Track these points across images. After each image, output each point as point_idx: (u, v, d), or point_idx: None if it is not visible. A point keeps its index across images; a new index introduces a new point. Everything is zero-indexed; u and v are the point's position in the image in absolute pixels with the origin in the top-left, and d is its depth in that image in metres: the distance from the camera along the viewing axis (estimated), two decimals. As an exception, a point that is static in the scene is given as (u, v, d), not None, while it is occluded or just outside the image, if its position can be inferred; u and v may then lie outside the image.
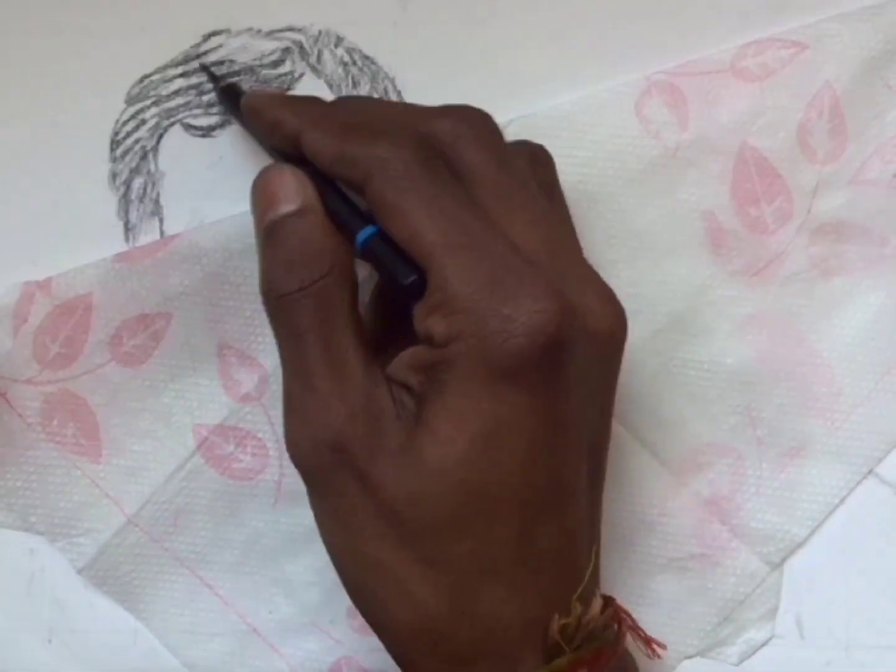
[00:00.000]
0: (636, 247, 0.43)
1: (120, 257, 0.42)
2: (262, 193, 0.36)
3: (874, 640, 0.44)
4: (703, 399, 0.43)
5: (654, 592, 0.44)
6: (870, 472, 0.44)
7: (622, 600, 0.38)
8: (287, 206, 0.35)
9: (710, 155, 0.42)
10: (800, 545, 0.44)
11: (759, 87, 0.42)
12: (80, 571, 0.43)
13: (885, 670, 0.44)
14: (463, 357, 0.32)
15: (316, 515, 0.36)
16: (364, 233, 0.35)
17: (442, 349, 0.33)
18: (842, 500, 0.44)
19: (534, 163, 0.37)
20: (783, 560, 0.44)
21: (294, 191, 0.36)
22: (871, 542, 0.44)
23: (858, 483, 0.44)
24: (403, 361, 0.34)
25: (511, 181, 0.35)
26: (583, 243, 0.42)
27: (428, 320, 0.33)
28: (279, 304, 0.35)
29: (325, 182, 0.36)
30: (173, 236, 0.42)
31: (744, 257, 0.43)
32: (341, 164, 0.35)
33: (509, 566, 0.34)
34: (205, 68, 0.42)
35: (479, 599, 0.34)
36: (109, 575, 0.43)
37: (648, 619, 0.43)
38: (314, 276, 0.34)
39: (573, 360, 0.33)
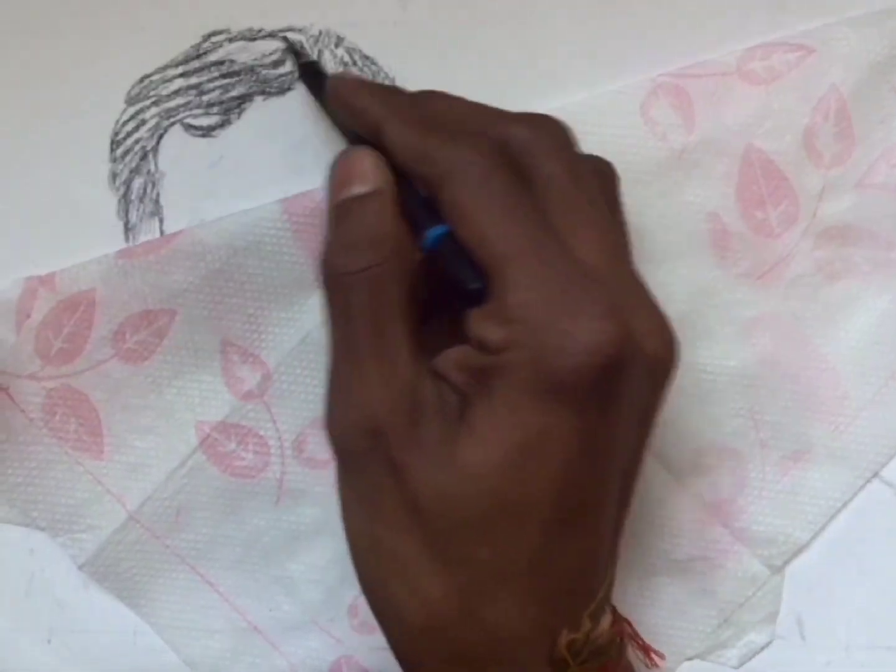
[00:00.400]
0: (641, 248, 0.42)
1: (123, 253, 0.42)
2: (339, 172, 0.36)
3: (874, 641, 0.44)
4: (707, 401, 0.43)
5: (655, 594, 0.44)
6: (874, 475, 0.44)
7: (623, 602, 0.38)
8: (361, 187, 0.35)
9: (716, 157, 0.42)
10: (802, 549, 0.44)
11: (765, 90, 0.41)
12: (81, 567, 0.43)
13: (885, 671, 0.44)
14: (516, 367, 0.32)
15: (341, 495, 0.36)
16: (435, 230, 0.34)
17: (495, 356, 0.32)
18: (844, 505, 0.44)
19: (600, 177, 0.37)
20: (785, 564, 0.44)
21: (371, 172, 0.36)
22: (872, 543, 0.44)
23: (862, 487, 0.43)
24: (450, 359, 0.34)
25: (582, 196, 0.34)
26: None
27: (483, 325, 0.33)
28: (336, 283, 0.35)
29: (401, 175, 0.36)
30: (177, 233, 0.42)
31: (749, 260, 0.43)
32: (421, 160, 0.34)
33: (526, 578, 0.34)
34: (286, 41, 0.42)
35: (491, 605, 0.34)
36: (111, 571, 0.44)
37: (649, 620, 0.43)
38: (373, 260, 0.34)
39: (626, 384, 0.33)
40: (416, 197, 0.35)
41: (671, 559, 0.44)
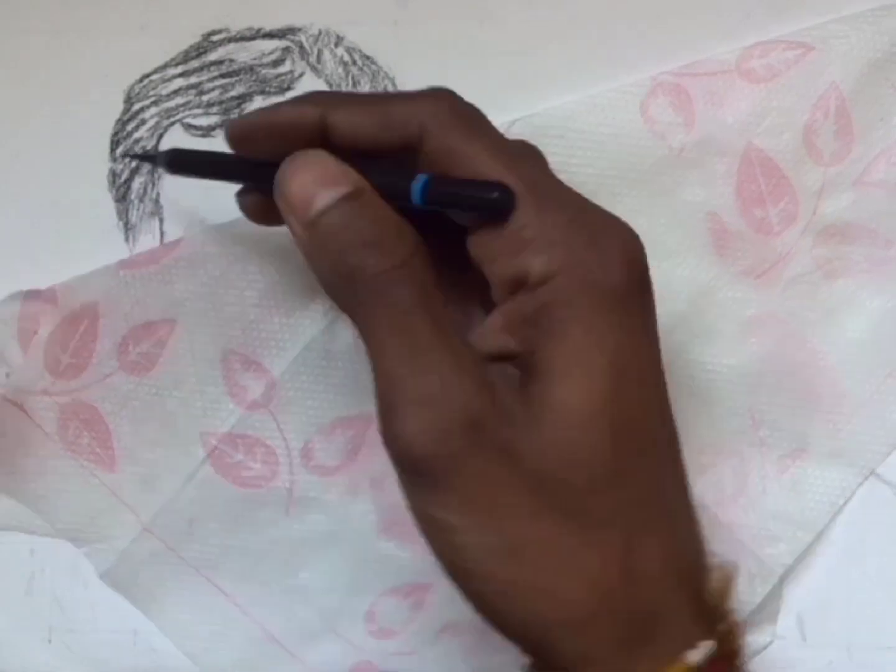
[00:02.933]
0: (640, 247, 0.42)
1: (124, 264, 0.42)
2: (301, 179, 0.32)
3: (875, 641, 0.44)
4: (706, 400, 0.43)
5: (656, 593, 0.44)
6: (872, 473, 0.44)
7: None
8: (341, 189, 0.32)
9: (716, 156, 0.42)
10: (802, 548, 0.44)
11: (764, 88, 0.42)
12: (101, 577, 0.43)
13: (886, 671, 0.44)
14: (574, 290, 0.31)
15: (427, 519, 0.32)
16: (419, 179, 0.32)
17: (545, 287, 0.31)
18: (844, 503, 0.43)
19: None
20: (785, 563, 0.43)
21: (341, 173, 0.32)
22: (873, 543, 0.44)
23: (860, 485, 0.43)
24: (495, 325, 0.33)
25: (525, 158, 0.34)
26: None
27: (520, 257, 0.32)
28: (372, 286, 0.31)
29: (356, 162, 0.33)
30: (176, 241, 0.42)
31: (748, 258, 0.43)
32: (389, 128, 0.33)
33: (663, 518, 0.32)
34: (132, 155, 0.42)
35: (644, 559, 0.31)
36: (130, 581, 0.43)
37: (650, 620, 0.43)
38: (407, 252, 0.31)
39: (652, 290, 0.33)
40: (376, 175, 0.33)
41: (672, 559, 0.44)
